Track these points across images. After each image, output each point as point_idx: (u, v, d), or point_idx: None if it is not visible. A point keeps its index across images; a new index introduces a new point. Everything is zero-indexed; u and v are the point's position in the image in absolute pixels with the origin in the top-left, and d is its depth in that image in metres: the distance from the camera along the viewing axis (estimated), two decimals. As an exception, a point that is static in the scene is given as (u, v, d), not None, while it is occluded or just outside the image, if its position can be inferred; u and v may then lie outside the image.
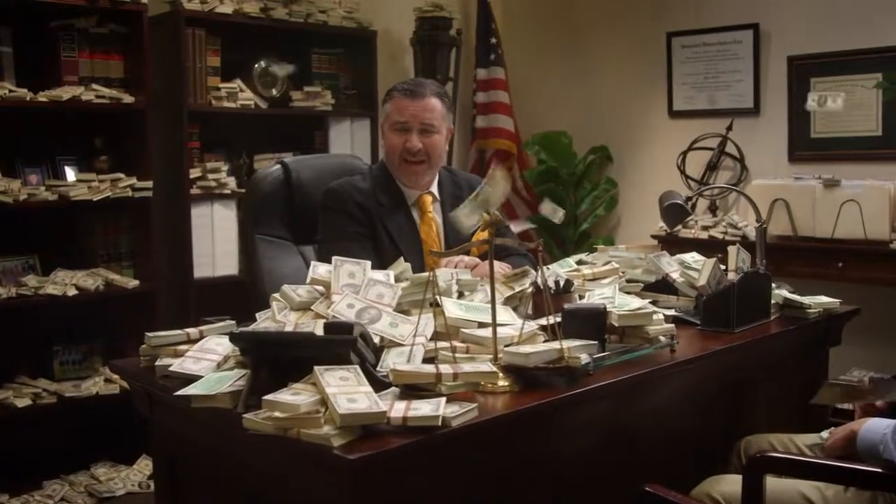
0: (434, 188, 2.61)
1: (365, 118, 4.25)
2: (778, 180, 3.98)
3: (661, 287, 2.35)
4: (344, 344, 1.50)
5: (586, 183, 4.85)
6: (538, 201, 4.81)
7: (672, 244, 3.95)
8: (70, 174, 3.44)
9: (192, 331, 1.84)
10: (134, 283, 3.48)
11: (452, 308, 1.82)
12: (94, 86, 3.38)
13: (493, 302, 1.67)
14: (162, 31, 3.64)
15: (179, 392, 1.55)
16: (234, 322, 1.90)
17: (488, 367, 1.55)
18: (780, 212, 3.83)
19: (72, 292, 3.27)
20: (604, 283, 2.28)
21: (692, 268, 2.38)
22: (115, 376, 3.36)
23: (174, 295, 3.71)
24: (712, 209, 4.36)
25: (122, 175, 3.41)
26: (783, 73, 4.16)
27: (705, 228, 4.16)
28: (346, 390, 1.40)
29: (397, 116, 2.49)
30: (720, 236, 4.07)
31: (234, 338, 1.55)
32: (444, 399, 1.44)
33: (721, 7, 4.37)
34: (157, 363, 1.77)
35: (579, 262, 2.49)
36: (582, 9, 4.90)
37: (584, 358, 1.67)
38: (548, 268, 2.38)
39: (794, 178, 3.95)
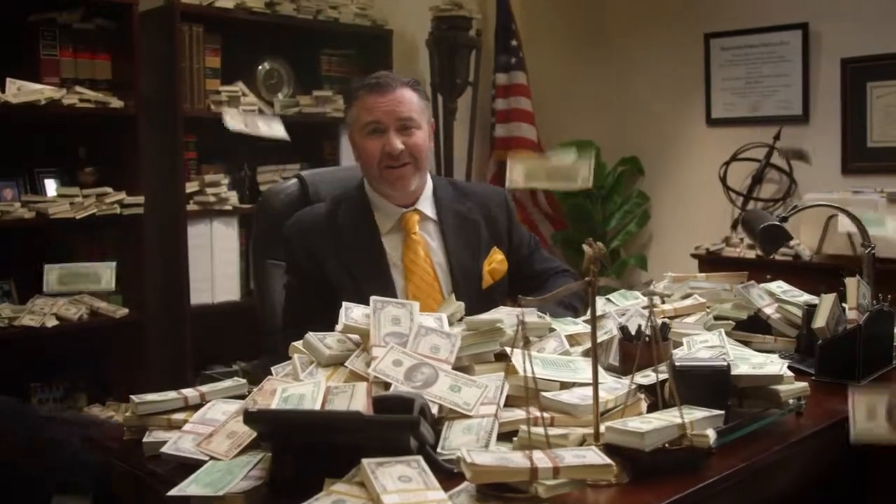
0: (425, 204, 2.19)
1: (378, 126, 3.94)
2: (834, 194, 3.67)
3: (753, 325, 1.99)
4: (404, 427, 1.09)
5: (616, 197, 4.59)
6: (562, 217, 4.54)
7: (715, 265, 3.67)
8: (50, 188, 3.26)
9: (191, 393, 1.44)
10: (122, 311, 3.24)
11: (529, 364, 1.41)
12: (78, 88, 3.18)
13: (594, 357, 1.26)
14: (155, 28, 3.45)
15: (174, 491, 1.15)
16: (244, 381, 1.50)
17: (598, 456, 1.13)
18: (835, 229, 3.49)
19: (52, 323, 3.03)
20: (687, 321, 1.91)
21: (786, 301, 2.03)
22: (105, 414, 3.10)
23: (168, 324, 3.49)
24: (757, 226, 4.02)
25: (109, 189, 3.23)
26: (836, 76, 3.91)
27: (751, 247, 3.81)
28: (411, 500, 1.00)
29: (368, 117, 2.10)
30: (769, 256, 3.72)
31: (249, 418, 1.14)
32: (545, 509, 1.05)
33: (766, 5, 4.11)
34: (145, 438, 1.37)
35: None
36: (610, 8, 4.64)
37: (711, 435, 1.27)
38: (609, 299, 2.01)
39: (853, 191, 3.65)
